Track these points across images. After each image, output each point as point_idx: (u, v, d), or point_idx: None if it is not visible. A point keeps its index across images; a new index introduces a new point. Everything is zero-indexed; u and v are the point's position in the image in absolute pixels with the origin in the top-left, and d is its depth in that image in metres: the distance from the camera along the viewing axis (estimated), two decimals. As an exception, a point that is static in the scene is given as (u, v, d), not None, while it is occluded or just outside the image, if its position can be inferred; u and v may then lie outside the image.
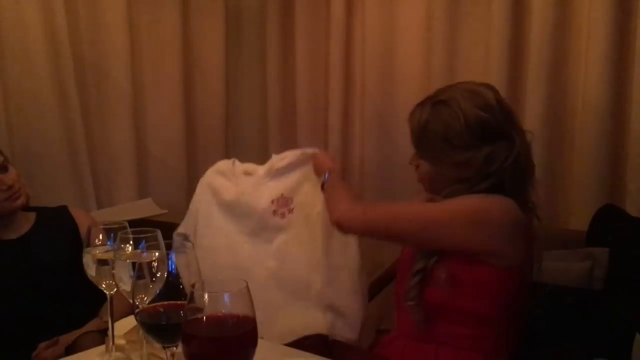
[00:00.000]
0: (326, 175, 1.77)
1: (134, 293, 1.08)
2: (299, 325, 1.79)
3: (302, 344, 1.62)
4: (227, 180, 2.05)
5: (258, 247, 1.94)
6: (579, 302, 1.75)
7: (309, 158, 1.92)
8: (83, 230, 1.85)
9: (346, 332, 1.81)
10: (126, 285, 1.15)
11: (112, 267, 1.15)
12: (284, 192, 1.94)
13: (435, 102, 1.50)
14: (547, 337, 1.68)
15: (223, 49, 3.05)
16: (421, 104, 1.54)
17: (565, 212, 2.24)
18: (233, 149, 3.17)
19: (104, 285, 1.27)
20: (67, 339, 1.74)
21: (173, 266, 1.10)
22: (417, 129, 1.52)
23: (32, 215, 1.98)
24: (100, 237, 1.31)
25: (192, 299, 0.85)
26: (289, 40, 2.98)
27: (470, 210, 1.43)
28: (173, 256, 1.09)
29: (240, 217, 1.97)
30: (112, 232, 1.25)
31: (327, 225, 1.81)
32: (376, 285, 2.18)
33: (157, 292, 1.08)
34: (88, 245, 1.29)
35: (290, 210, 1.94)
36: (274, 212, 1.93)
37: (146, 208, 2.62)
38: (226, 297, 0.85)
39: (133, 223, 1.29)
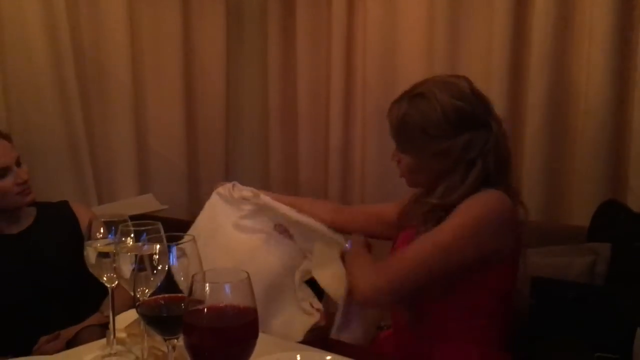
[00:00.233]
0: (349, 243, 1.69)
1: (135, 285, 1.08)
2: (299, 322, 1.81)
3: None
4: (229, 205, 2.07)
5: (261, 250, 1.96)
6: (580, 297, 1.75)
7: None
8: (84, 225, 1.84)
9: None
10: (128, 279, 1.14)
11: (114, 260, 1.15)
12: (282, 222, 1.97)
13: (412, 96, 1.51)
14: (549, 332, 1.68)
15: (224, 45, 3.05)
16: (398, 100, 1.55)
17: (567, 208, 2.24)
18: (233, 146, 3.17)
19: (105, 278, 1.27)
20: (68, 333, 1.75)
21: (174, 259, 1.10)
22: (396, 124, 1.53)
23: (32, 210, 1.98)
24: (102, 231, 1.31)
25: (193, 290, 0.85)
26: (289, 37, 2.98)
27: (473, 222, 1.42)
28: (174, 249, 1.09)
29: (245, 231, 2.01)
30: (113, 226, 1.25)
31: None
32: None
33: (158, 284, 1.08)
34: (89, 239, 1.29)
35: (291, 236, 1.96)
36: (279, 232, 1.95)
37: (147, 203, 2.62)
38: (227, 288, 0.85)
39: (134, 218, 1.28)
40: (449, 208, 1.47)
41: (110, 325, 1.30)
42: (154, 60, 2.86)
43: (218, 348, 0.85)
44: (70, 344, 1.67)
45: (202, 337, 0.85)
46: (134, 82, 2.76)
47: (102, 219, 1.31)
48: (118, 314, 1.34)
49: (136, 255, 1.08)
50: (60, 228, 1.98)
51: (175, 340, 1.07)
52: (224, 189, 2.08)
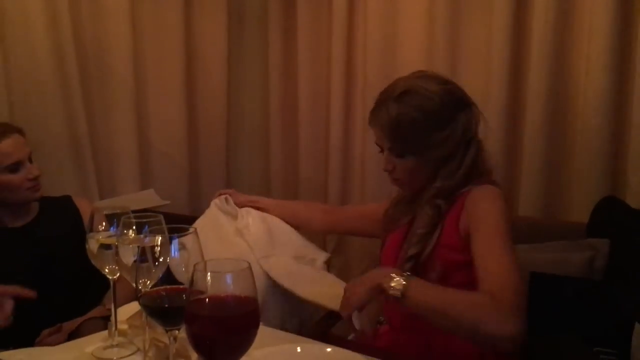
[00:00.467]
0: (402, 284, 1.29)
1: (136, 277, 1.08)
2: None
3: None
4: (224, 215, 2.16)
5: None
6: (579, 293, 1.76)
7: None
8: (86, 219, 1.87)
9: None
10: (129, 270, 1.15)
11: (116, 251, 1.16)
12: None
13: (396, 96, 1.49)
14: (547, 327, 1.68)
15: (225, 42, 3.05)
16: (379, 106, 1.52)
17: (566, 204, 2.25)
18: (234, 143, 3.18)
19: (107, 270, 1.28)
20: (70, 325, 1.76)
21: (176, 251, 1.11)
22: (389, 127, 1.49)
23: (36, 205, 1.99)
24: (104, 224, 1.32)
25: (194, 280, 0.86)
26: (290, 35, 2.99)
27: (501, 207, 1.43)
28: (176, 241, 1.10)
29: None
30: (115, 218, 1.26)
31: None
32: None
33: (160, 276, 1.09)
34: (91, 231, 1.30)
35: None
36: None
37: (148, 199, 2.63)
38: (228, 278, 0.86)
39: (135, 213, 1.29)
40: (448, 195, 1.49)
41: (112, 317, 1.31)
42: (155, 57, 2.87)
43: (219, 337, 0.86)
44: (72, 336, 1.68)
45: (203, 326, 0.86)
46: (136, 78, 2.77)
47: (105, 212, 1.32)
48: (119, 307, 1.36)
49: (138, 247, 1.10)
50: (63, 222, 1.99)
51: (177, 332, 1.08)
52: (219, 200, 2.16)
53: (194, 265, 0.88)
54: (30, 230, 1.94)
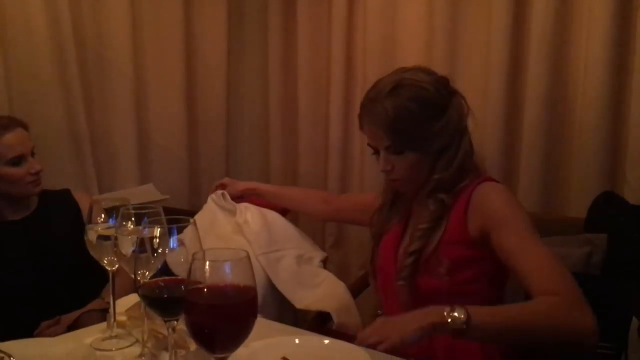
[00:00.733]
0: (463, 313, 1.19)
1: (135, 268, 1.09)
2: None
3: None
4: (222, 211, 2.18)
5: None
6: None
7: None
8: (86, 212, 1.87)
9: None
10: (128, 261, 1.16)
11: (115, 243, 1.16)
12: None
13: (387, 93, 1.46)
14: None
15: (225, 39, 3.05)
16: (372, 106, 1.48)
17: (564, 199, 2.26)
18: (234, 138, 3.18)
19: (105, 261, 1.28)
20: (69, 318, 1.76)
21: (174, 243, 1.11)
22: (388, 124, 1.45)
23: (35, 198, 2.00)
24: (102, 216, 1.32)
25: (193, 268, 0.86)
26: (290, 31, 2.99)
27: (524, 211, 1.43)
28: (175, 232, 1.11)
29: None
30: (115, 211, 1.27)
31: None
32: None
33: (159, 267, 1.10)
34: (90, 222, 1.31)
35: None
36: None
37: (148, 193, 2.63)
38: (227, 267, 0.86)
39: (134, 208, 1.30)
40: (449, 189, 1.48)
41: (111, 309, 1.32)
42: (155, 52, 2.87)
43: (218, 325, 0.86)
44: (71, 328, 1.69)
45: (202, 314, 0.86)
46: (136, 74, 2.77)
47: (104, 206, 1.32)
48: (118, 298, 1.36)
49: (137, 238, 1.10)
50: (62, 215, 2.00)
51: (176, 322, 1.08)
52: (216, 195, 2.19)
53: (193, 255, 0.88)
54: (29, 223, 1.95)
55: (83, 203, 2.02)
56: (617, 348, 1.68)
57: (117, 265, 1.27)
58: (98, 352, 1.21)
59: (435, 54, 2.51)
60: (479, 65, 2.41)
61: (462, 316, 1.17)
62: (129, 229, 1.16)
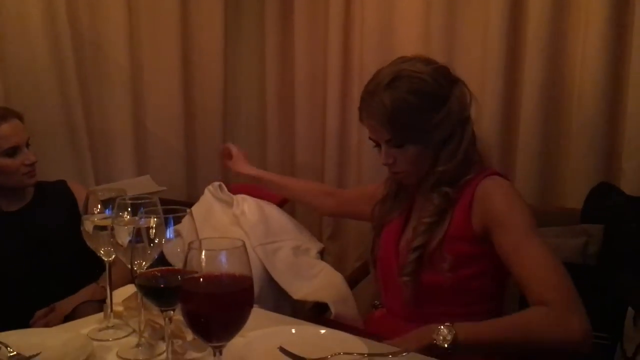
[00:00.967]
0: (451, 332, 1.27)
1: (132, 258, 1.09)
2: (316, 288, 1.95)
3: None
4: (219, 202, 2.21)
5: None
6: (573, 278, 1.77)
7: None
8: (82, 203, 1.88)
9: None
10: (124, 251, 1.16)
11: (111, 233, 1.16)
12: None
13: (385, 85, 1.44)
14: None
15: (222, 29, 3.04)
16: (371, 99, 1.47)
17: (561, 190, 2.26)
18: (231, 129, 3.18)
19: (102, 252, 1.28)
20: (63, 306, 1.76)
21: (171, 233, 1.11)
22: (387, 117, 1.44)
23: (31, 189, 2.00)
24: (99, 206, 1.32)
25: (189, 258, 0.86)
26: (287, 21, 2.98)
27: (527, 211, 1.42)
28: (172, 222, 1.11)
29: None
30: (111, 202, 1.26)
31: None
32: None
33: (155, 257, 1.10)
34: (86, 213, 1.30)
35: None
36: None
37: (144, 185, 2.63)
38: (223, 256, 0.86)
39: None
40: (453, 181, 1.46)
41: (108, 299, 1.32)
42: (152, 43, 2.86)
43: (214, 314, 0.86)
44: (68, 318, 1.69)
45: (198, 303, 0.86)
46: (132, 65, 2.76)
47: (100, 197, 1.32)
48: (115, 287, 1.36)
49: (133, 228, 1.10)
50: (58, 206, 2.00)
51: (172, 312, 1.08)
52: (213, 186, 2.21)
53: (189, 244, 0.88)
54: (25, 214, 1.95)
55: (79, 194, 2.02)
56: (613, 338, 1.69)
57: (113, 256, 1.26)
58: (95, 343, 1.20)
59: (433, 43, 2.50)
60: (476, 56, 2.40)
61: (450, 336, 1.24)
62: (126, 219, 1.16)
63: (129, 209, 1.16)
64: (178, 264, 1.03)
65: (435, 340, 1.25)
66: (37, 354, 1.12)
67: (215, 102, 3.08)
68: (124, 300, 1.32)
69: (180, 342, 1.17)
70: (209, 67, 3.05)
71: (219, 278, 0.87)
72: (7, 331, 1.22)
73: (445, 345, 1.24)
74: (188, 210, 1.11)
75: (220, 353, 0.91)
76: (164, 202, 1.14)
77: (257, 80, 3.14)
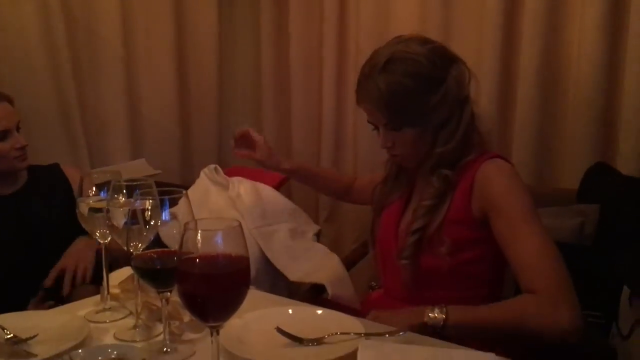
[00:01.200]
0: (442, 312, 1.29)
1: (127, 239, 1.09)
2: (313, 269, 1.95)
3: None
4: (215, 185, 2.21)
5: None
6: (569, 258, 1.77)
7: None
8: (75, 187, 1.87)
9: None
10: (120, 233, 1.15)
11: (107, 216, 1.16)
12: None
13: (381, 67, 1.41)
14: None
15: (216, 10, 3.02)
16: (366, 82, 1.44)
17: (557, 170, 2.26)
18: (226, 112, 3.16)
19: (97, 234, 1.28)
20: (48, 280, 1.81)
21: (167, 215, 1.11)
22: (382, 101, 1.41)
23: (24, 172, 1.99)
24: (93, 189, 1.31)
25: (185, 238, 0.86)
26: (283, 4, 2.96)
27: (527, 197, 1.39)
28: (167, 204, 1.10)
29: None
30: (106, 185, 1.26)
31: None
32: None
33: (151, 239, 1.10)
34: (80, 196, 1.30)
35: None
36: None
37: (139, 168, 2.62)
38: (219, 236, 0.86)
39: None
40: (453, 163, 1.44)
41: (104, 282, 1.32)
42: (145, 26, 2.83)
43: (210, 295, 0.86)
44: (66, 301, 1.69)
45: (194, 284, 0.86)
46: (126, 47, 2.73)
47: (95, 180, 1.32)
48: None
49: (129, 210, 1.10)
50: (52, 189, 1.99)
51: (169, 294, 1.08)
52: (208, 169, 2.19)
53: (185, 224, 0.88)
54: (18, 197, 1.94)
55: (72, 177, 2.01)
56: (608, 317, 1.70)
57: (109, 238, 1.26)
58: (92, 324, 1.20)
59: (429, 23, 2.48)
60: (473, 39, 2.39)
61: (441, 315, 1.27)
62: (121, 201, 1.16)
63: (124, 191, 1.16)
64: (174, 247, 1.02)
65: (426, 320, 1.27)
66: (34, 336, 1.12)
67: (210, 85, 3.06)
68: (120, 283, 1.32)
69: (177, 323, 1.17)
70: (204, 50, 3.03)
71: (215, 258, 0.87)
72: (3, 314, 1.22)
73: (435, 326, 1.26)
74: (184, 191, 1.11)
75: (217, 333, 0.91)
76: (159, 185, 1.14)
77: (253, 64, 3.12)
